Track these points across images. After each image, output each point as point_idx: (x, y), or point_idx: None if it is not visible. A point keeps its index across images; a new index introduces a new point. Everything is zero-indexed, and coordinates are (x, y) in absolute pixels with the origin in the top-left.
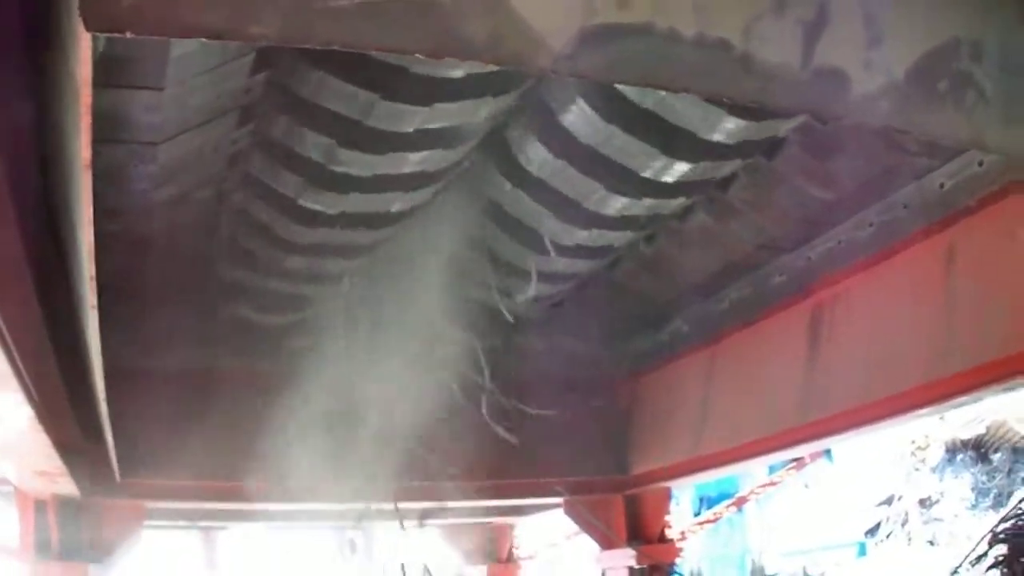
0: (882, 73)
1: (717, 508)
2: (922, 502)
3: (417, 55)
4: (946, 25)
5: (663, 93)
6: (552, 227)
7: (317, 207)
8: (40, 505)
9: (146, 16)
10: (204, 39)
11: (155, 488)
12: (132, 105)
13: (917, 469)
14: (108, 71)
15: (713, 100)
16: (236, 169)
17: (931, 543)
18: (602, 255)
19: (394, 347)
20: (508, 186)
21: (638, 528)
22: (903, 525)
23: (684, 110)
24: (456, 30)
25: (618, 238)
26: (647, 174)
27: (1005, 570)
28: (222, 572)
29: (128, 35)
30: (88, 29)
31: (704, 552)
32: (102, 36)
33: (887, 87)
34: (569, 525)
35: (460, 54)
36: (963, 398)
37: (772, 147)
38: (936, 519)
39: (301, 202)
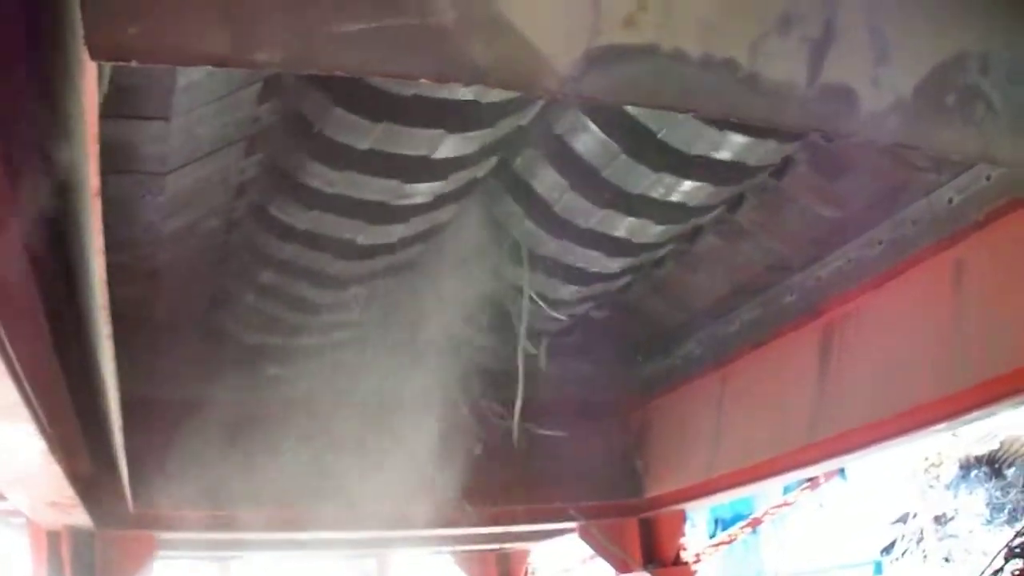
0: (890, 89)
1: (732, 529)
2: (937, 519)
3: (422, 80)
4: (953, 39)
5: (671, 115)
6: (563, 252)
7: (326, 234)
8: (53, 536)
9: (151, 44)
10: (209, 66)
11: (169, 518)
12: (139, 135)
13: (931, 486)
14: (115, 101)
15: (720, 120)
16: (244, 199)
17: (947, 560)
18: (613, 279)
19: (406, 372)
20: (517, 211)
21: (653, 551)
22: (918, 542)
23: (692, 131)
24: (461, 54)
25: (629, 262)
26: (656, 196)
27: None
28: None
29: (133, 64)
30: (93, 58)
31: (720, 574)
32: (109, 66)
33: (895, 103)
34: (584, 550)
35: (465, 78)
36: (975, 413)
37: (780, 167)
38: (951, 535)
39: (308, 229)
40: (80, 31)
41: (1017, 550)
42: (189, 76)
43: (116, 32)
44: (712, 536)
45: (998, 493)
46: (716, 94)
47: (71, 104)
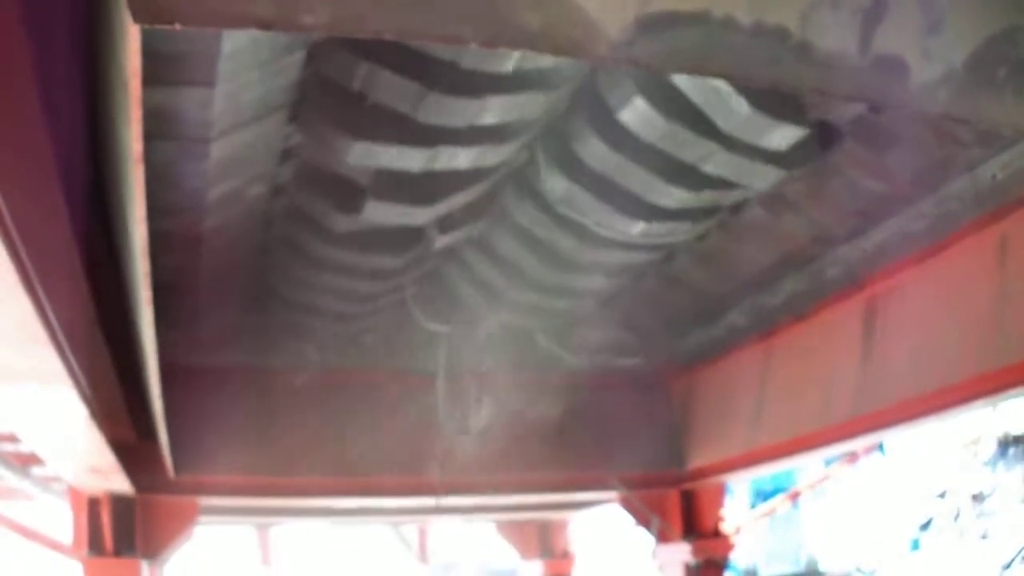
0: (941, 61)
1: (772, 502)
2: (974, 496)
3: (471, 44)
4: (1004, 13)
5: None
6: (609, 220)
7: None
8: (94, 502)
9: (195, 7)
10: (254, 29)
11: (209, 484)
12: (184, 102)
13: (969, 463)
14: (159, 68)
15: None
16: (289, 165)
17: (984, 537)
18: (658, 248)
19: (450, 339)
20: (564, 180)
21: (693, 522)
22: (955, 519)
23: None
24: (510, 18)
25: (674, 231)
26: (704, 168)
27: None
28: (276, 567)
29: (176, 27)
30: (136, 21)
31: (759, 546)
32: (151, 29)
33: (946, 75)
34: (624, 519)
35: (515, 43)
36: (1016, 389)
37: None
38: (988, 513)
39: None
40: None
41: None
42: (234, 42)
43: None
44: (753, 508)
45: None
46: (766, 62)
47: (113, 69)
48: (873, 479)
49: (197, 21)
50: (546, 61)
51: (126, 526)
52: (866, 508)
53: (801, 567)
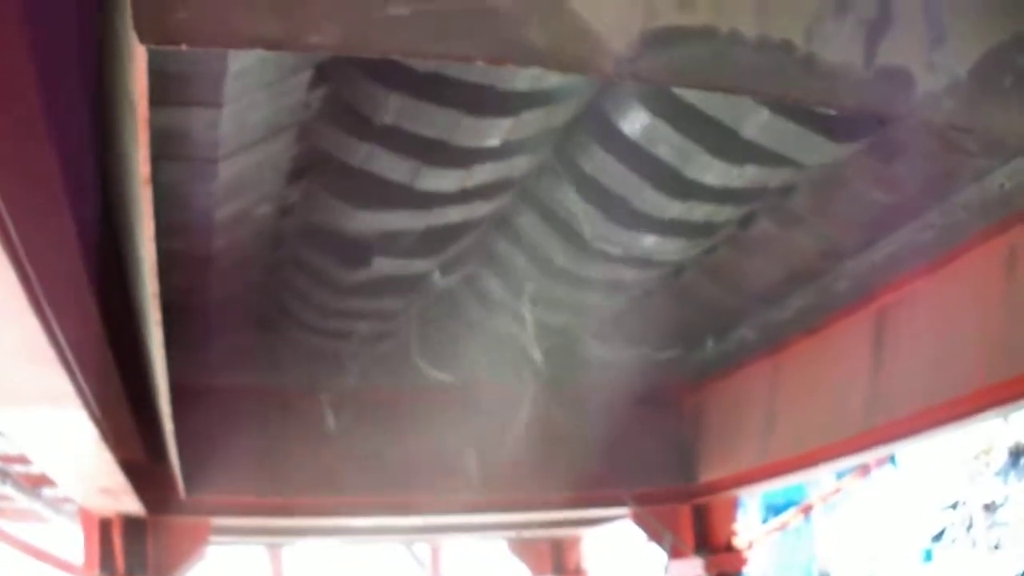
0: (945, 72)
1: (784, 516)
2: (986, 506)
3: (478, 63)
4: (1008, 21)
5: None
6: (618, 234)
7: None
8: (105, 523)
9: (202, 28)
10: (262, 50)
11: (220, 505)
12: (192, 122)
13: (981, 473)
14: (166, 88)
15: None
16: (297, 186)
17: (996, 547)
18: (666, 264)
19: (457, 358)
20: (571, 191)
21: (706, 537)
22: (968, 530)
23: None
24: (516, 36)
25: (682, 246)
26: (710, 180)
27: None
28: None
29: (184, 47)
30: (143, 42)
31: (771, 560)
32: (158, 49)
33: (951, 85)
34: (637, 535)
35: (521, 60)
36: None
37: None
38: (1000, 523)
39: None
40: (129, 15)
41: None
42: (241, 62)
43: (165, 16)
44: (765, 522)
45: None
46: (772, 76)
47: (121, 90)
48: (885, 491)
49: (204, 42)
50: (521, 82)
51: (137, 547)
52: (878, 520)
53: None
